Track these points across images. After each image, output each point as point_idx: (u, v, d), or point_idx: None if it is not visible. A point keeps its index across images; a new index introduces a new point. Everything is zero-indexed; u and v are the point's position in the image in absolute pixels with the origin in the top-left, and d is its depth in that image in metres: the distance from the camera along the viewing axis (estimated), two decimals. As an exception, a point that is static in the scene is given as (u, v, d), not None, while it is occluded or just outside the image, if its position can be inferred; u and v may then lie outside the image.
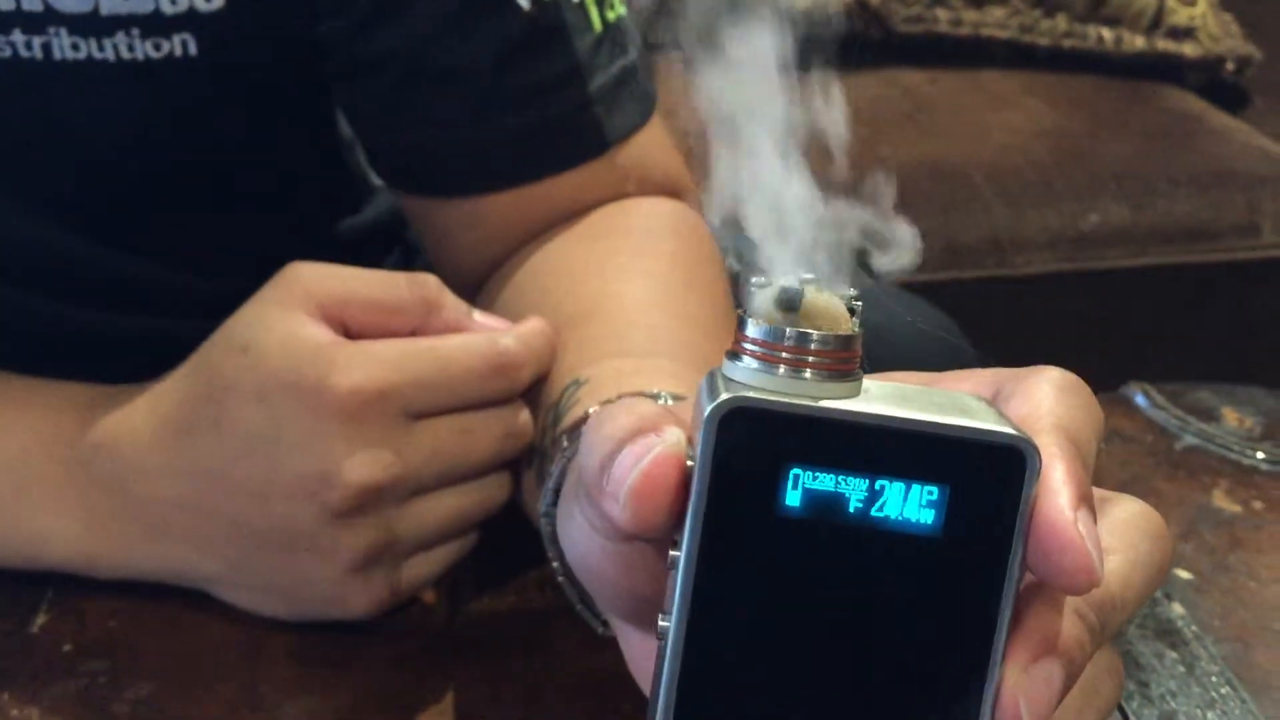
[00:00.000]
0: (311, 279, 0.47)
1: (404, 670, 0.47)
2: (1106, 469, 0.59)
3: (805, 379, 0.28)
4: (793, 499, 0.28)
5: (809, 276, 0.29)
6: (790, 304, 0.29)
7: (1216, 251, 1.42)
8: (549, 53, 0.56)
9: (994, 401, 0.31)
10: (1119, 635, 0.33)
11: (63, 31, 0.52)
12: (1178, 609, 0.51)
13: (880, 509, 0.28)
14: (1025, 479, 0.28)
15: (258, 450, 0.46)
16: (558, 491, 0.41)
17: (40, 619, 0.49)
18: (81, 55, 0.52)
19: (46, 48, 0.52)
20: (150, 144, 0.57)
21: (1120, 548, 0.32)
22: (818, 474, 0.28)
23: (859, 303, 0.29)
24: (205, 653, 0.48)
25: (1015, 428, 0.28)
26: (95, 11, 0.52)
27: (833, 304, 0.29)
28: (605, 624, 0.40)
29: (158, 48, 0.53)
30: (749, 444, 0.27)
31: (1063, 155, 1.47)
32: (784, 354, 0.28)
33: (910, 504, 0.28)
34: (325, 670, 0.47)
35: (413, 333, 0.48)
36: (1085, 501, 0.28)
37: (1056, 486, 0.28)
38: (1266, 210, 1.44)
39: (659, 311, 0.52)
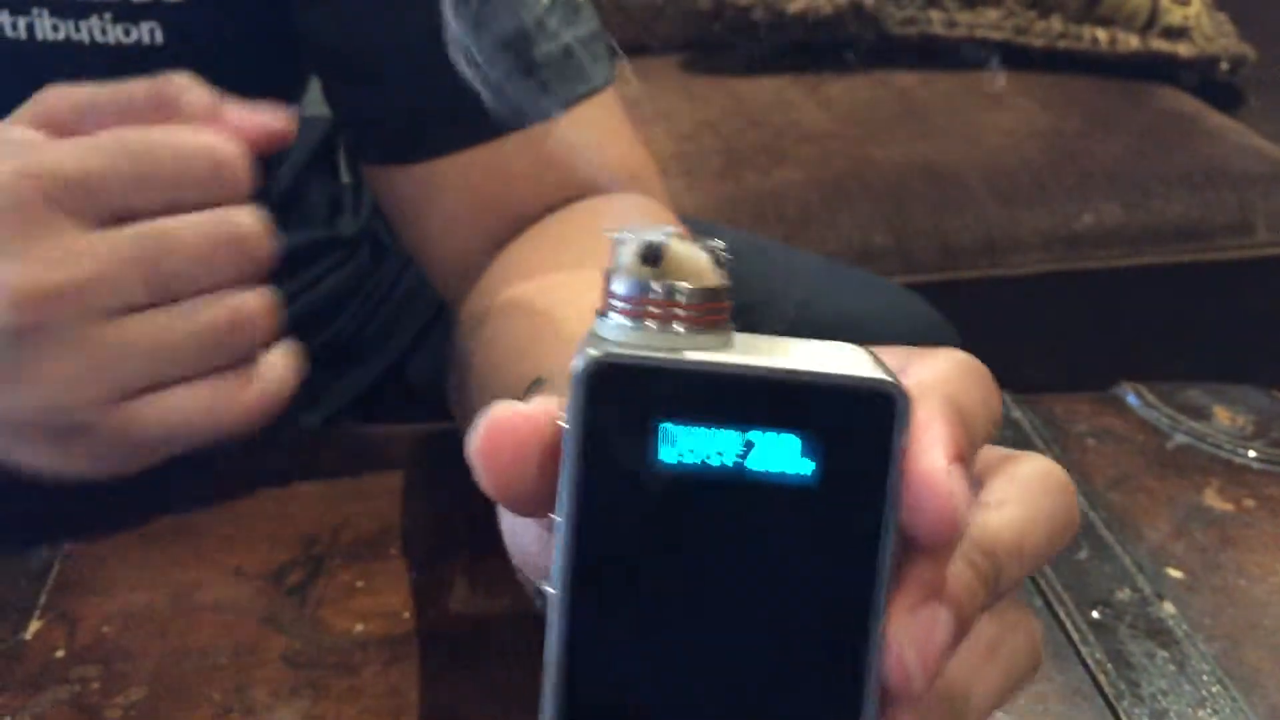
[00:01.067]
0: (48, 93, 0.47)
1: (395, 673, 0.47)
2: (1097, 467, 0.59)
3: (674, 332, 0.28)
4: (666, 454, 0.27)
5: (672, 229, 0.29)
6: (653, 257, 0.28)
7: (1210, 251, 1.43)
8: (495, 17, 0.57)
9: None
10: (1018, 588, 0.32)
11: (45, 12, 0.55)
12: (1169, 608, 0.51)
13: (755, 460, 0.27)
14: (895, 423, 0.27)
15: None
16: None
17: (32, 625, 0.49)
18: (61, 36, 0.55)
19: (30, 28, 0.55)
20: None
21: (1017, 499, 0.31)
22: (690, 428, 0.27)
23: (727, 254, 0.29)
24: (197, 658, 0.48)
25: (888, 373, 0.28)
26: None
27: (697, 256, 0.29)
28: None
29: (127, 33, 0.55)
30: (618, 400, 0.27)
31: (1056, 155, 1.48)
32: (650, 308, 0.28)
33: (784, 454, 0.27)
34: (317, 674, 0.47)
35: None
36: (959, 458, 0.28)
37: (932, 440, 0.28)
38: (1260, 209, 1.45)
39: None
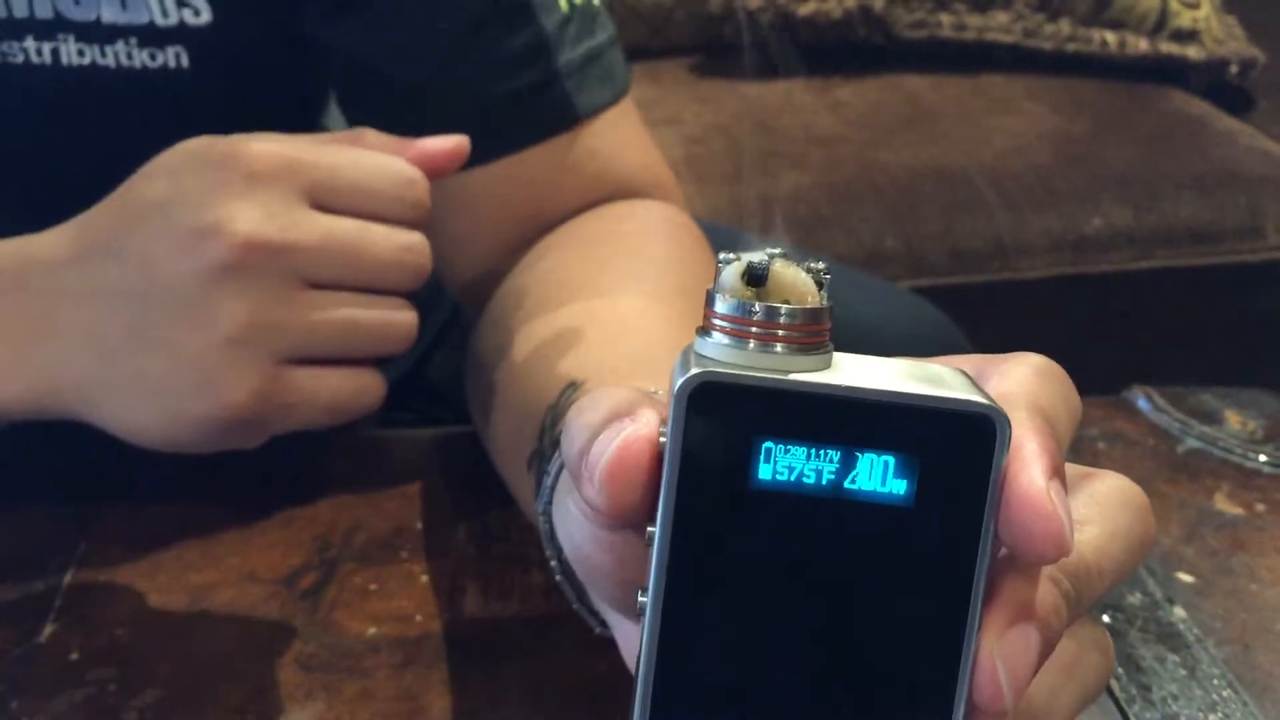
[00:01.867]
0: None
1: (408, 676, 0.48)
2: (1108, 473, 0.59)
3: (775, 353, 0.28)
4: (764, 472, 0.28)
5: (776, 250, 0.29)
6: (757, 278, 0.29)
7: (1219, 254, 1.42)
8: (513, 28, 0.58)
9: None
10: (1106, 605, 0.32)
11: (70, 38, 0.55)
12: (1179, 612, 0.51)
13: (852, 480, 0.28)
14: (996, 448, 0.27)
15: (154, 214, 0.47)
16: (555, 490, 0.41)
17: (48, 628, 0.49)
18: (86, 61, 0.56)
19: (55, 53, 0.55)
20: (151, 151, 0.58)
21: (1097, 519, 0.32)
22: (789, 447, 0.28)
23: (828, 275, 0.29)
24: (212, 660, 0.48)
25: (986, 397, 0.28)
26: (98, 20, 0.55)
27: (800, 277, 0.29)
28: (603, 623, 0.41)
29: (153, 58, 0.56)
30: (719, 419, 0.28)
31: (1065, 159, 1.48)
32: (753, 328, 0.28)
33: (882, 475, 0.28)
34: (330, 676, 0.47)
35: None
36: (1057, 474, 0.28)
37: (1029, 458, 0.28)
38: (1270, 213, 1.44)
39: (653, 317, 0.53)
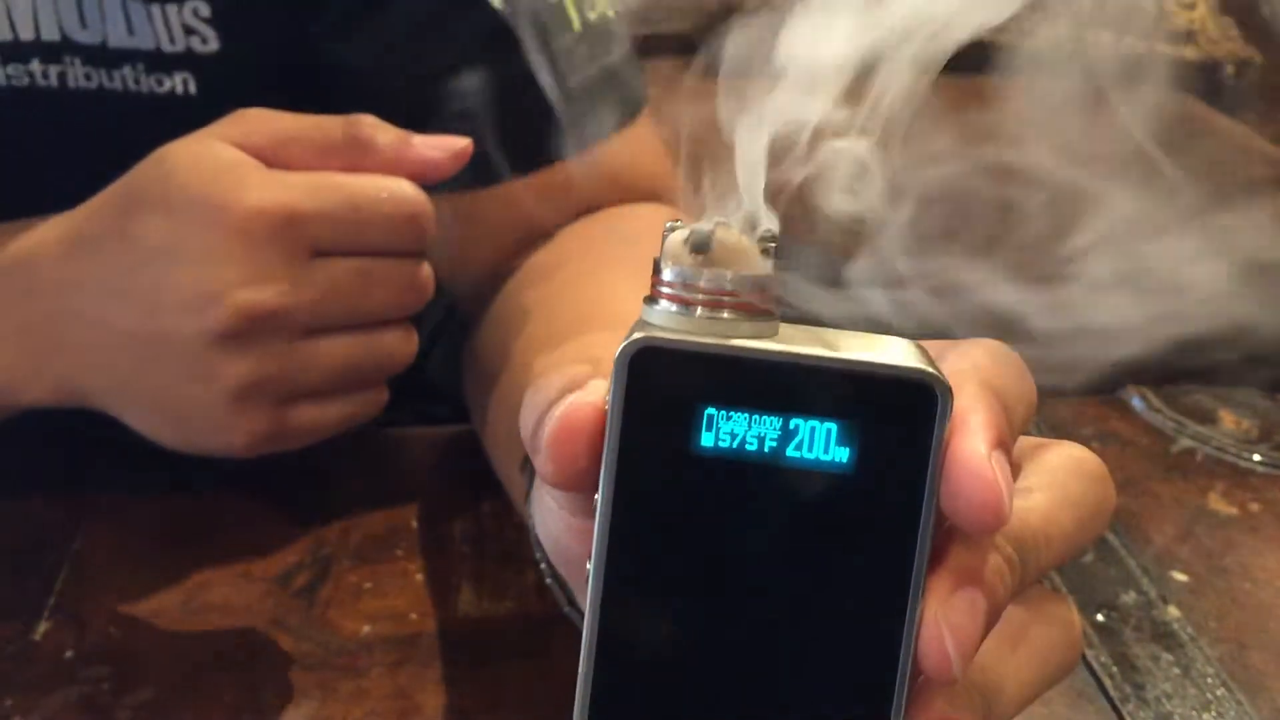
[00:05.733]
0: (249, 116, 0.48)
1: (403, 675, 0.48)
2: (1102, 472, 0.60)
3: (721, 319, 0.28)
4: (706, 438, 0.28)
5: (721, 219, 0.29)
6: (701, 246, 0.28)
7: (1215, 254, 1.43)
8: (523, 47, 0.57)
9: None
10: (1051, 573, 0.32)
11: (77, 61, 0.55)
12: (1174, 611, 0.51)
13: (795, 447, 0.28)
14: (937, 415, 0.27)
15: (155, 262, 0.47)
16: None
17: (42, 626, 0.49)
18: (93, 85, 0.55)
19: (62, 77, 0.55)
20: None
21: (1045, 486, 0.31)
22: (731, 413, 0.27)
23: (774, 243, 0.29)
24: (206, 659, 0.48)
25: (931, 365, 0.28)
26: (105, 44, 0.54)
27: (745, 245, 0.29)
28: None
29: (160, 83, 0.55)
30: (660, 384, 0.27)
31: (1061, 159, 1.48)
32: (698, 295, 0.28)
33: (824, 442, 0.27)
34: (325, 675, 0.47)
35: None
36: (1001, 445, 0.28)
37: (973, 428, 0.28)
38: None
39: None
